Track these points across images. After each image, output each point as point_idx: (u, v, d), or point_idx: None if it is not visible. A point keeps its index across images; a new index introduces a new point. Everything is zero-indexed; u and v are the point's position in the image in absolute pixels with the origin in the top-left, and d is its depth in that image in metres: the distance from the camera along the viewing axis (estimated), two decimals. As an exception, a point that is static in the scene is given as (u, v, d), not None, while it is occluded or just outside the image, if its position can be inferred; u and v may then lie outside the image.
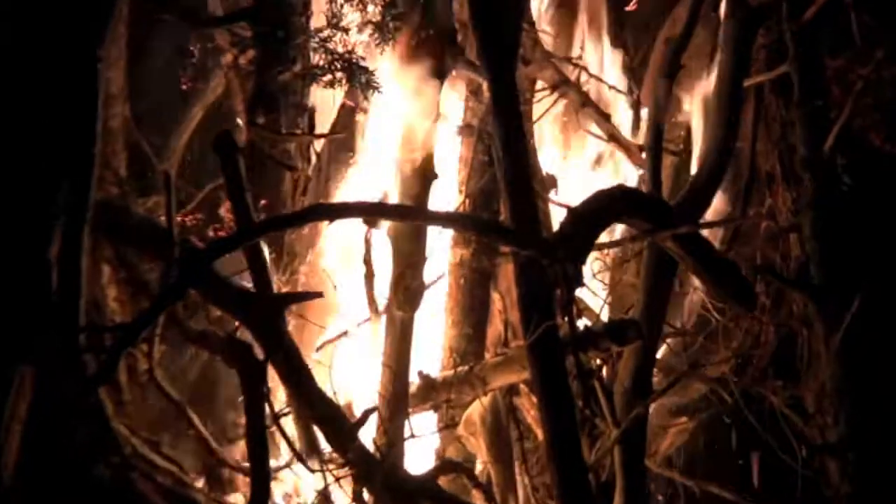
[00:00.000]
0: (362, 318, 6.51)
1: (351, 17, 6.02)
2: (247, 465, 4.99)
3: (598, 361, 5.99)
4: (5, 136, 5.31)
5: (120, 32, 5.98)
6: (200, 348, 6.16)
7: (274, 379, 5.21)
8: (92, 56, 5.26)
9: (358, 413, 5.36)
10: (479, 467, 6.74)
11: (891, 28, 6.18)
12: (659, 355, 6.12)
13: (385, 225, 6.23)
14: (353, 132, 6.49)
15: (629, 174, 7.35)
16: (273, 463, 5.02)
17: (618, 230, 6.38)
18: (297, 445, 5.50)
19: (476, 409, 6.74)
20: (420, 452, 6.44)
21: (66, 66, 5.24)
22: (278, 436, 5.19)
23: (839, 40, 6.23)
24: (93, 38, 5.28)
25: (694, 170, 6.03)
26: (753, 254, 6.47)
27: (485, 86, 6.05)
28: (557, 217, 5.98)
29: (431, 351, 6.66)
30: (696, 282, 6.24)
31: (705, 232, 5.91)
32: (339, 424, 5.18)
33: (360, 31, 6.02)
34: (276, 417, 5.17)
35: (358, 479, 5.27)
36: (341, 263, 6.56)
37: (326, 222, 6.16)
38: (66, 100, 5.26)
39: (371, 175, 6.55)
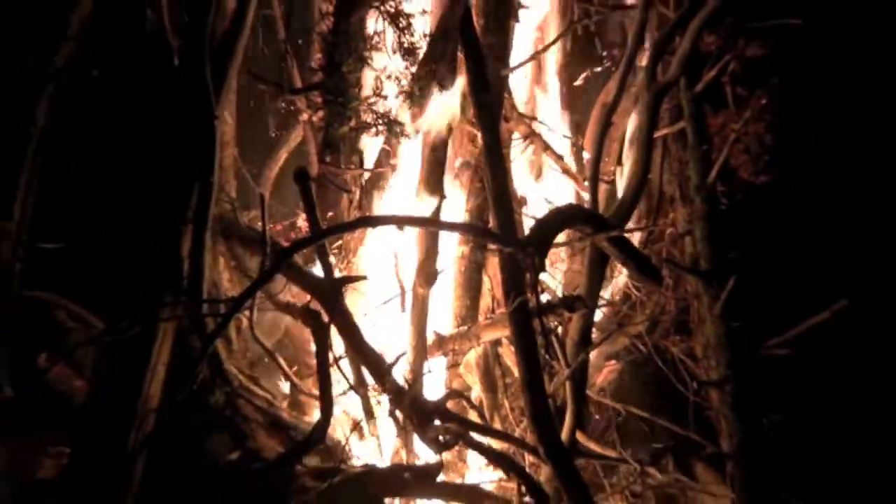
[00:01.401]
0: (395, 293, 6.50)
1: (389, 89, 6.01)
2: (316, 392, 4.97)
3: (556, 323, 5.97)
4: (153, 170, 5.32)
5: (230, 99, 5.99)
6: (285, 313, 6.15)
7: (335, 334, 5.22)
8: (211, 116, 5.26)
9: (392, 357, 5.36)
10: (474, 395, 6.74)
11: (754, 98, 6.19)
12: (596, 319, 6.11)
13: (411, 230, 6.25)
14: (390, 167, 6.44)
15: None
16: (334, 391, 5.00)
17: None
18: (351, 379, 5.50)
19: (473, 355, 6.76)
20: (434, 385, 6.44)
21: (195, 123, 5.25)
22: (338, 373, 5.18)
23: (719, 105, 6.23)
24: (212, 104, 5.28)
25: (620, 193, 6.02)
26: (661, 250, 6.47)
27: (479, 136, 6.04)
28: (528, 225, 5.96)
29: (442, 316, 6.64)
30: (622, 269, 6.24)
31: (629, 235, 5.92)
32: (379, 365, 5.19)
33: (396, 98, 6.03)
34: (336, 360, 5.18)
35: (392, 402, 5.28)
36: (381, 256, 6.54)
37: (371, 228, 6.19)
38: (194, 145, 5.26)
39: (401, 196, 6.52)
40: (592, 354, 6.16)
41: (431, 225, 6.19)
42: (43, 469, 5.59)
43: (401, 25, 5.77)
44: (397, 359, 5.44)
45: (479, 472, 6.44)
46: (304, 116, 6.45)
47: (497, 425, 6.49)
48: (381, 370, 5.17)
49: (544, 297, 5.88)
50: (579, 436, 5.78)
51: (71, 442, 5.22)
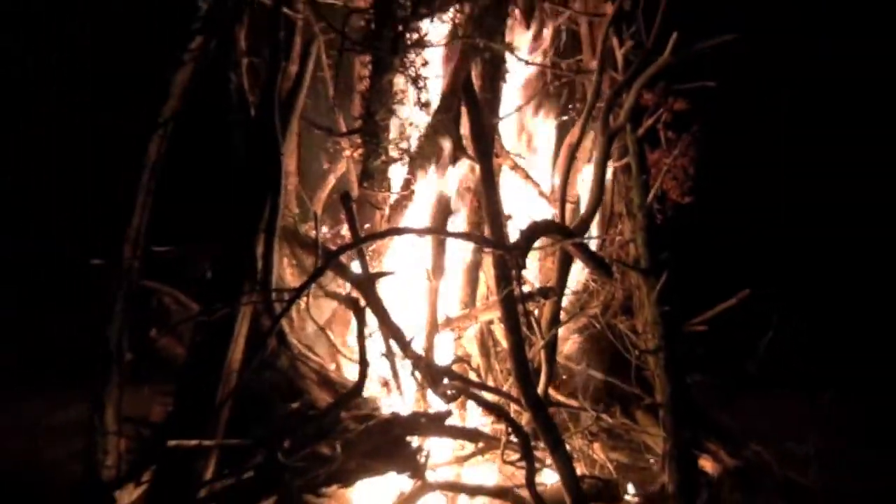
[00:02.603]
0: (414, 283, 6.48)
1: (411, 131, 6.02)
2: (357, 357, 4.97)
3: (534, 307, 5.97)
4: (236, 193, 5.33)
5: (292, 139, 5.99)
6: (333, 299, 6.15)
7: (370, 315, 5.21)
8: (279, 153, 5.27)
9: (412, 333, 5.35)
10: (474, 361, 6.72)
11: (680, 140, 6.20)
12: (564, 304, 6.10)
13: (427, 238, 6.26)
14: (412, 191, 6.42)
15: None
16: (369, 357, 4.99)
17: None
18: (382, 349, 5.50)
19: (472, 331, 6.73)
20: (443, 352, 6.43)
21: (267, 158, 5.26)
22: (371, 345, 5.16)
23: (655, 145, 6.23)
24: (279, 144, 5.29)
25: (582, 211, 6.01)
26: (612, 253, 6.46)
27: (476, 167, 6.05)
28: (514, 234, 5.94)
29: (449, 301, 6.64)
30: (583, 266, 6.22)
31: (588, 241, 5.91)
32: (402, 338, 5.19)
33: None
34: (370, 334, 5.17)
35: (412, 365, 5.28)
36: (405, 257, 6.53)
37: (396, 237, 6.18)
38: (266, 174, 5.27)
39: (419, 213, 6.51)
40: (561, 330, 6.16)
41: (441, 234, 6.20)
42: (154, 413, 5.63)
43: (419, 86, 5.77)
44: (417, 334, 5.46)
45: (476, 418, 6.45)
46: (348, 153, 6.45)
47: (490, 382, 6.48)
48: (404, 342, 5.17)
49: (526, 288, 5.87)
50: (551, 390, 5.80)
51: (174, 394, 5.24)
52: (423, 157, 6.12)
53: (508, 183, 7.16)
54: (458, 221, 6.56)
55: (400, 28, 5.50)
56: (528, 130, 7.50)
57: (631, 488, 6.30)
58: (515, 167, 7.17)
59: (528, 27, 7.04)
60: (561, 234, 5.35)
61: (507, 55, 6.44)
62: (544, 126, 7.55)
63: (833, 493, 6.07)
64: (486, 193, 5.83)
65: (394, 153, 5.94)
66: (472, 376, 6.11)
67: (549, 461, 5.23)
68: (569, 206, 6.25)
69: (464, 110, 6.09)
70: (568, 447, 5.41)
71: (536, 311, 6.01)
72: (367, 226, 6.26)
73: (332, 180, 6.97)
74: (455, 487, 5.67)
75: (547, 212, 7.02)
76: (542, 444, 5.17)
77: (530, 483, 5.02)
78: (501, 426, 5.40)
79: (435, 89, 6.04)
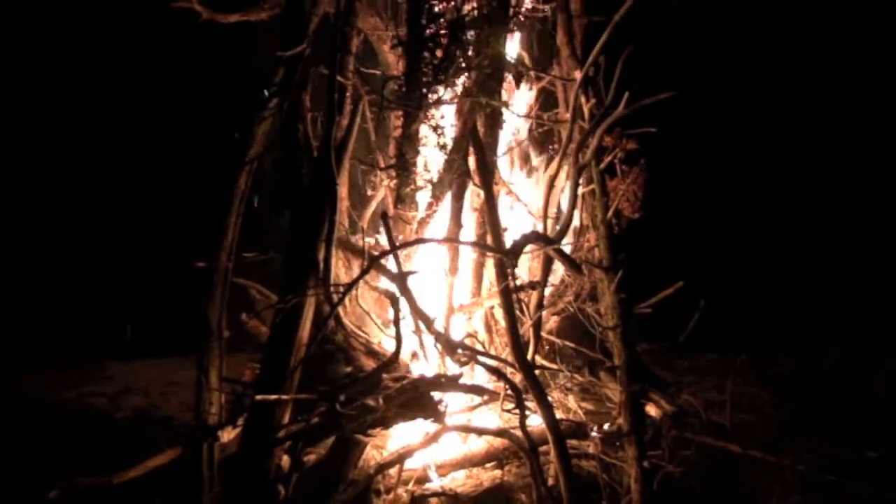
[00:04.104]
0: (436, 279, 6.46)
1: (432, 167, 6.01)
2: (393, 334, 4.95)
3: (524, 296, 5.94)
4: (304, 212, 5.32)
5: (344, 173, 5.97)
6: (375, 291, 6.14)
7: (403, 302, 5.18)
8: (334, 183, 5.26)
9: (434, 315, 5.33)
10: (480, 336, 6.69)
11: (632, 171, 6.15)
12: (546, 293, 6.07)
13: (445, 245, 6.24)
14: (433, 210, 6.38)
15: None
16: (403, 334, 4.97)
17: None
18: (413, 328, 5.48)
19: (480, 313, 6.71)
20: (457, 330, 6.42)
21: (325, 187, 5.25)
22: (404, 325, 5.13)
23: (613, 175, 6.19)
24: (335, 177, 5.28)
25: (560, 224, 5.96)
26: (582, 255, 6.42)
27: (481, 193, 6.04)
28: (508, 241, 5.89)
29: (462, 292, 6.62)
30: (560, 265, 6.18)
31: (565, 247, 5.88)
32: (427, 319, 5.17)
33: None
34: (403, 317, 5.15)
35: (435, 340, 5.27)
36: (429, 260, 6.50)
37: (423, 244, 6.16)
38: (325, 199, 5.26)
39: (439, 226, 6.48)
40: (544, 312, 6.14)
41: (456, 242, 6.20)
42: (245, 375, 5.65)
43: (438, 133, 5.78)
44: (438, 316, 5.44)
45: (482, 378, 6.43)
46: (385, 183, 6.46)
47: (492, 352, 6.48)
48: (429, 322, 5.16)
49: (518, 282, 5.85)
50: (537, 357, 5.77)
51: (260, 361, 5.26)
52: (441, 185, 6.12)
53: (504, 203, 7.14)
54: (469, 233, 6.54)
55: (424, 90, 5.51)
56: (519, 165, 7.49)
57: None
58: (510, 191, 7.16)
59: (518, 88, 7.04)
60: (544, 241, 5.33)
61: (504, 109, 6.44)
62: (531, 161, 7.54)
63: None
64: (488, 212, 5.82)
65: (420, 182, 5.96)
66: (479, 347, 6.08)
67: (536, 409, 5.20)
68: (550, 221, 6.23)
69: (471, 151, 6.08)
70: (550, 399, 5.39)
71: (526, 299, 5.99)
72: (400, 236, 6.26)
73: (374, 203, 6.98)
74: (467, 429, 5.68)
75: (533, 225, 6.99)
76: (531, 397, 5.15)
77: (522, 426, 5.03)
78: (501, 384, 5.38)
79: (449, 135, 6.04)
